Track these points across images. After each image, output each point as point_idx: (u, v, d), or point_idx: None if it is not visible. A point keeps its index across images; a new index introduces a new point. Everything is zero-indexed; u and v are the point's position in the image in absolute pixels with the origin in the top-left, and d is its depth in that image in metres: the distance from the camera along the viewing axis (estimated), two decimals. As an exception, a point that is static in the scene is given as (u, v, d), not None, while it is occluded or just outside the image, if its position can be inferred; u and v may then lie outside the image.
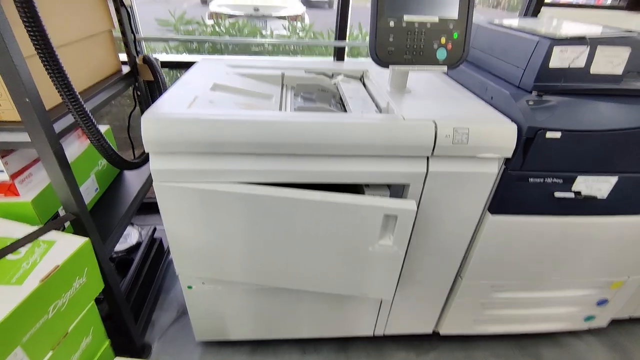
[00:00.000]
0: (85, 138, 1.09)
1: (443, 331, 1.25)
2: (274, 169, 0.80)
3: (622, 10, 1.57)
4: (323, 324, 1.18)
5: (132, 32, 1.11)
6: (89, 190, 1.07)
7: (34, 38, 0.64)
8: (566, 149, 0.83)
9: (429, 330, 1.26)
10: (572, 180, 0.88)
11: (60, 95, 0.70)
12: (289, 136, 0.77)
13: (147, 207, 1.92)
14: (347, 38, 1.45)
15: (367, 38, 0.86)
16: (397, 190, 0.90)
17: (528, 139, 0.82)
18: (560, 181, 0.88)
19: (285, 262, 0.92)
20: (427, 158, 0.84)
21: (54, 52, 0.67)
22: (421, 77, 1.16)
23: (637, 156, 0.87)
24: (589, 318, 1.27)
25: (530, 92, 0.86)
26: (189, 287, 1.04)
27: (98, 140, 0.79)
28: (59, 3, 0.83)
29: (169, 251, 1.57)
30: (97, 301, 0.89)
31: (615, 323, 1.35)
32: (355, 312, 1.15)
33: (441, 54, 0.86)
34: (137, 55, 1.15)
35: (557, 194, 0.89)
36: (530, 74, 0.85)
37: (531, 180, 0.88)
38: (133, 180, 1.25)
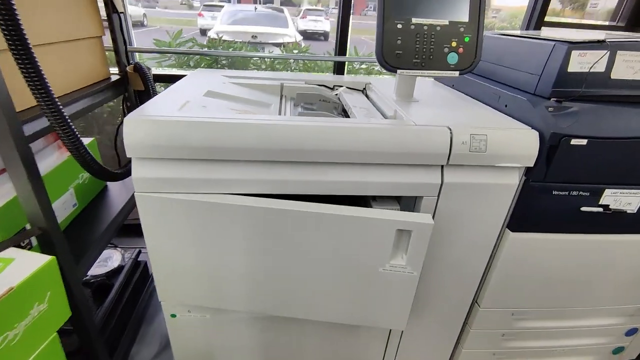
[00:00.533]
0: (65, 150, 1.00)
1: (458, 367, 1.11)
2: (272, 178, 0.72)
3: (621, 30, 1.57)
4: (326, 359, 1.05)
5: (124, 40, 1.06)
6: (67, 205, 0.97)
7: (4, 27, 0.56)
8: (592, 158, 0.76)
9: (442, 365, 1.13)
10: (600, 192, 0.81)
11: (32, 92, 0.62)
12: (290, 141, 0.69)
13: (134, 229, 1.81)
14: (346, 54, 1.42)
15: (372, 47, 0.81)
16: (408, 205, 0.81)
17: (552, 147, 0.75)
18: (587, 194, 0.80)
19: (285, 287, 0.80)
20: (442, 167, 0.76)
21: (27, 45, 0.59)
22: (425, 88, 1.11)
23: (667, 167, 0.80)
24: (617, 350, 1.15)
25: (549, 99, 0.80)
26: (173, 316, 0.91)
27: (73, 144, 0.70)
28: (42, 1, 0.77)
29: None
30: (65, 333, 0.76)
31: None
32: (361, 345, 1.02)
33: (452, 59, 0.81)
34: (129, 64, 1.09)
35: (584, 209, 0.81)
36: (547, 80, 0.80)
37: (555, 192, 0.80)
38: (117, 197, 1.15)
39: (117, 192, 1.17)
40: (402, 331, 0.99)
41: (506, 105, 0.88)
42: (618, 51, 0.76)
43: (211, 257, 0.77)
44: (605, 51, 0.76)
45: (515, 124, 0.79)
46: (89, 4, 0.93)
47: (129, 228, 1.81)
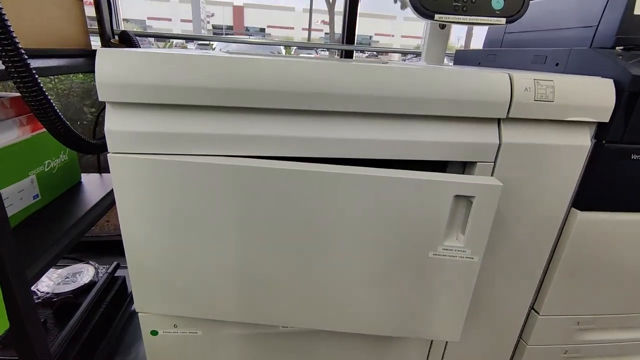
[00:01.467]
0: (31, 128, 0.83)
1: (510, 395, 0.89)
2: (279, 134, 0.55)
3: None
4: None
5: (110, 8, 0.92)
6: (24, 195, 0.78)
7: None
8: (679, 110, 0.62)
9: (490, 396, 0.90)
10: (687, 157, 0.66)
11: None
12: (312, 83, 0.53)
13: (112, 245, 1.59)
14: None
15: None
16: (454, 176, 0.65)
17: (632, 95, 0.61)
18: (673, 159, 0.66)
19: (299, 283, 0.61)
20: (499, 123, 0.61)
21: None
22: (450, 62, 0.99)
23: None
24: (697, 370, 0.95)
25: (613, 48, 0.68)
26: (153, 334, 0.69)
27: (33, 94, 0.53)
28: None
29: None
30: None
31: None
32: (392, 369, 0.81)
33: (498, 3, 0.69)
34: (114, 37, 0.95)
35: (670, 178, 0.66)
36: (608, 29, 0.68)
37: (634, 157, 0.65)
38: (92, 193, 0.96)
39: (92, 187, 0.98)
40: (446, 345, 0.79)
41: (557, 64, 0.75)
42: (690, -9, 0.66)
43: (200, 243, 0.58)
44: (676, -10, 0.65)
45: (585, 77, 0.66)
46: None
47: (106, 244, 1.61)
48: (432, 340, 0.77)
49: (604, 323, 0.82)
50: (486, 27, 0.97)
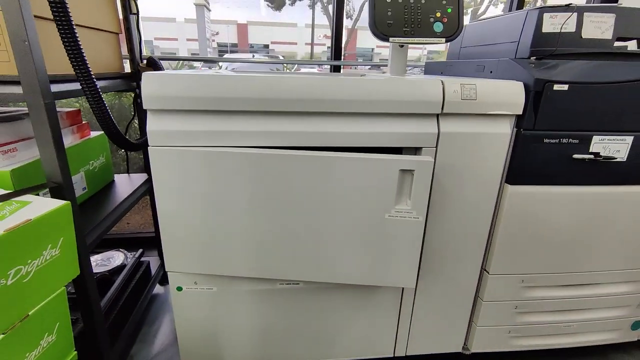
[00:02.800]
0: (80, 135, 1.05)
1: (474, 348, 1.06)
2: (277, 129, 0.76)
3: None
4: (335, 343, 1.01)
5: (139, 38, 1.15)
6: (77, 187, 0.99)
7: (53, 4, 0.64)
8: (576, 103, 0.82)
9: (457, 348, 1.08)
10: (588, 140, 0.85)
11: (69, 55, 0.69)
12: (294, 91, 0.74)
13: (133, 242, 1.79)
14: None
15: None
16: (408, 160, 0.85)
17: (537, 93, 0.81)
18: (577, 141, 0.85)
19: (291, 244, 0.81)
20: (437, 117, 0.81)
21: (70, 19, 0.67)
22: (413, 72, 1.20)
23: (647, 114, 0.85)
24: (636, 325, 1.11)
25: (529, 59, 0.88)
26: (179, 289, 0.89)
27: (98, 105, 0.75)
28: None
29: (155, 278, 1.40)
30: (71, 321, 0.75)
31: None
32: (371, 327, 0.99)
33: (438, 27, 0.89)
34: (142, 62, 1.18)
35: (576, 156, 0.85)
36: (525, 43, 0.89)
37: (546, 141, 0.84)
38: (123, 189, 1.17)
39: (123, 185, 1.20)
40: (414, 299, 0.97)
41: (491, 72, 0.95)
42: (585, 13, 0.86)
43: (217, 212, 0.79)
44: (572, 13, 0.85)
45: (501, 80, 0.86)
46: (109, 3, 1.04)
47: (127, 241, 1.82)
48: (402, 292, 0.95)
49: (544, 280, 1.00)
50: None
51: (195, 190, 0.77)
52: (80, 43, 0.70)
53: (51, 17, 0.68)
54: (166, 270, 0.86)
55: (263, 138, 0.76)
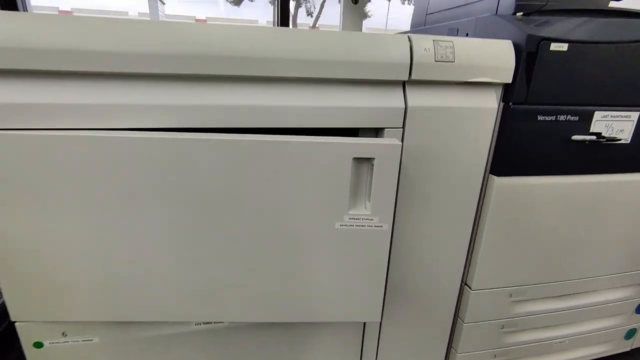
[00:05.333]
0: None
1: (454, 378, 0.87)
2: (180, 103, 0.50)
3: None
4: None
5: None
6: None
7: None
8: (576, 70, 0.64)
9: (435, 379, 0.87)
10: (589, 116, 0.67)
11: None
12: (206, 44, 0.49)
13: None
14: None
15: None
16: (367, 146, 0.62)
17: (530, 55, 0.61)
18: (576, 118, 0.67)
19: (192, 269, 0.55)
20: (404, 85, 0.59)
21: None
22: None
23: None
24: (630, 334, 0.97)
25: (514, 14, 0.69)
26: (38, 346, 0.60)
27: None
28: None
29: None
30: None
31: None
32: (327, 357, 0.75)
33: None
34: None
35: (575, 137, 0.67)
36: (508, -5, 0.69)
37: (540, 118, 0.65)
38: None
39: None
40: (380, 332, 0.75)
41: (467, 34, 0.76)
42: (578, -41, 0.68)
43: (70, 231, 0.51)
44: (565, -43, 0.67)
45: (485, 39, 0.66)
46: None
47: None
48: (364, 325, 0.73)
49: (535, 293, 0.82)
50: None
51: (25, 197, 0.49)
52: None
53: None
54: (12, 320, 0.56)
55: (150, 115, 0.50)
